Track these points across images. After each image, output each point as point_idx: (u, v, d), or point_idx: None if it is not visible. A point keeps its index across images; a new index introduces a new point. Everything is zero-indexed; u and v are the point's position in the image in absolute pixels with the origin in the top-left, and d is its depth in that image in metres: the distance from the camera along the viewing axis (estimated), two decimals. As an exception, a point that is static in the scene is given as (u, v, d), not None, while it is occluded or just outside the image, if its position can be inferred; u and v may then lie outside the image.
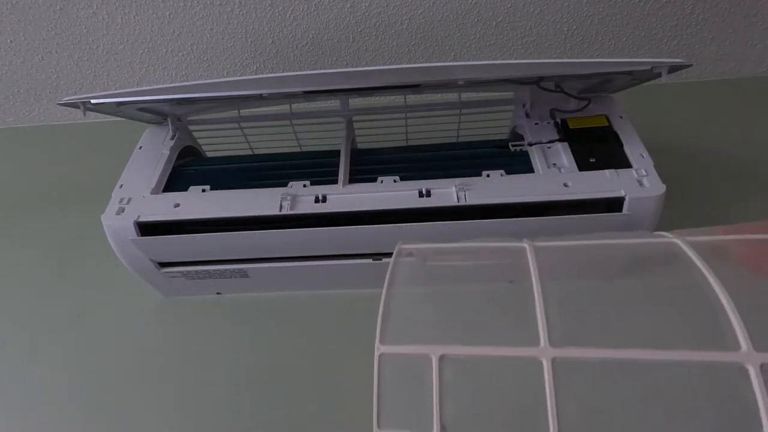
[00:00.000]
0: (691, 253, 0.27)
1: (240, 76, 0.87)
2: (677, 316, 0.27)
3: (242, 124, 0.65)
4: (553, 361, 0.24)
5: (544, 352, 0.24)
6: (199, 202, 0.51)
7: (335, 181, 0.51)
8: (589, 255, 0.33)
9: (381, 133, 0.66)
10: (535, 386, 0.24)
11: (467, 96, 0.64)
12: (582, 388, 0.24)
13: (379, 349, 0.29)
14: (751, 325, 0.23)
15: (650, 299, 0.29)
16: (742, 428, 0.21)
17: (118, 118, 0.60)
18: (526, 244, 0.33)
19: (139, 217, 0.49)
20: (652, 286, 0.30)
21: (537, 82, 0.55)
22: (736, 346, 0.22)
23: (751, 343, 0.22)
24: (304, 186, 0.51)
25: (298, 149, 0.69)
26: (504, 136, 0.65)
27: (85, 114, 0.50)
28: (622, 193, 0.47)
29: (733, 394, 0.22)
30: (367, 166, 0.55)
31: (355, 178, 0.52)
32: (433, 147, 0.60)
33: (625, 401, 0.24)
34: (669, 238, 0.30)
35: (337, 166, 0.53)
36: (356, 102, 0.66)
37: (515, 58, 0.86)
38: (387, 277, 0.33)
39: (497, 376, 0.27)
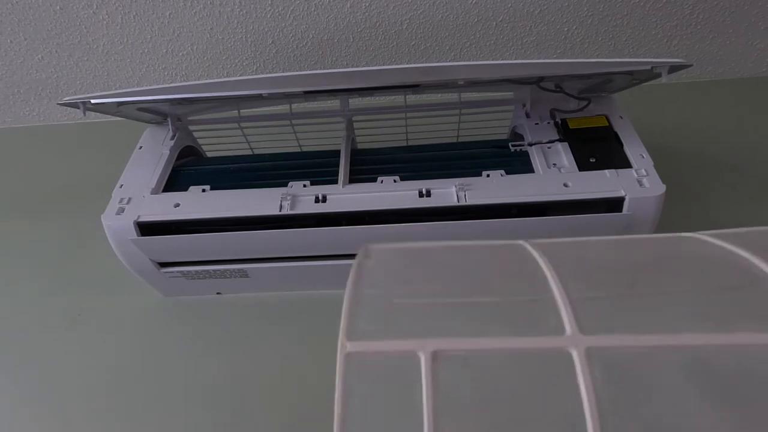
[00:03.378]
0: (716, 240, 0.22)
1: (240, 76, 0.87)
2: (718, 297, 0.21)
3: (242, 124, 0.65)
4: (587, 352, 0.17)
5: (574, 341, 0.18)
6: (199, 202, 0.51)
7: (335, 181, 0.51)
8: (595, 249, 0.27)
9: (381, 133, 0.66)
10: (563, 387, 0.18)
11: (467, 96, 0.64)
12: (622, 385, 0.18)
13: (345, 347, 0.21)
14: None
15: (674, 277, 0.23)
16: None
17: (118, 118, 0.60)
18: (522, 242, 0.26)
19: (139, 217, 0.49)
20: (665, 251, 0.24)
21: (537, 82, 0.55)
22: None
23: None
24: (304, 186, 0.51)
25: (298, 149, 0.69)
26: (504, 136, 0.65)
27: (85, 114, 0.50)
28: (622, 193, 0.47)
29: None
30: (367, 166, 0.55)
31: (355, 178, 0.52)
32: (433, 147, 0.60)
33: (672, 395, 0.18)
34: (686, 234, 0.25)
35: (337, 166, 0.53)
36: (356, 102, 0.66)
37: (515, 58, 0.86)
38: (353, 270, 0.24)
39: (508, 377, 0.20)
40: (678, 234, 0.27)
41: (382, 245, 0.26)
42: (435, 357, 0.19)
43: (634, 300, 0.21)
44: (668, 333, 0.17)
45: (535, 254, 0.23)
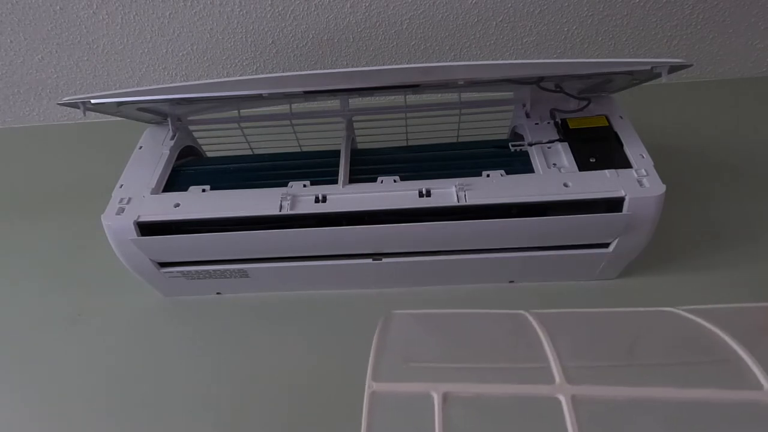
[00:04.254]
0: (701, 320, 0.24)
1: (240, 76, 0.87)
2: (690, 355, 0.25)
3: (242, 124, 0.65)
4: (573, 399, 0.21)
5: (562, 390, 0.22)
6: (199, 202, 0.51)
7: (335, 181, 0.51)
8: (586, 320, 0.30)
9: (381, 133, 0.66)
10: (553, 428, 0.21)
11: (467, 96, 0.64)
12: (602, 428, 0.22)
13: (371, 386, 0.25)
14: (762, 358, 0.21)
15: (652, 339, 0.27)
16: None
17: (118, 118, 0.60)
18: (523, 312, 0.30)
19: (139, 217, 0.49)
20: (649, 326, 0.28)
21: (537, 82, 0.55)
22: (758, 386, 0.21)
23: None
24: (304, 186, 0.51)
25: (298, 149, 0.69)
26: (504, 136, 0.65)
27: (85, 114, 0.50)
28: (622, 193, 0.47)
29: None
30: (367, 166, 0.55)
31: (355, 178, 0.52)
32: (433, 147, 0.60)
33: None
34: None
35: (337, 166, 0.53)
36: (356, 102, 0.66)
37: (515, 58, 0.86)
38: (378, 328, 0.29)
39: (511, 418, 0.23)
40: (659, 309, 0.30)
41: (402, 312, 0.31)
42: (446, 398, 0.23)
43: (615, 366, 0.25)
44: (640, 386, 0.21)
45: (534, 323, 0.26)
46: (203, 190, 0.53)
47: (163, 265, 0.54)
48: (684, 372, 0.21)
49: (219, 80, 0.48)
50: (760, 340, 0.22)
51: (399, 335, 0.29)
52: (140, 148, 0.59)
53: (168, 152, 0.58)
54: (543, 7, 0.79)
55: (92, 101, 0.49)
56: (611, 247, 0.51)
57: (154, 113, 0.61)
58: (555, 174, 0.50)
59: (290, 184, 0.52)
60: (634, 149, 0.51)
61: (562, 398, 0.21)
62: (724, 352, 0.21)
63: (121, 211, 0.50)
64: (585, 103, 0.57)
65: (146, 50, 0.83)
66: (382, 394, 0.25)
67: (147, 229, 0.50)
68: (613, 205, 0.47)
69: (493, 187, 0.49)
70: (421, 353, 0.27)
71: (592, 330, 0.27)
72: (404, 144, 0.67)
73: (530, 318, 0.27)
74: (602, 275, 0.57)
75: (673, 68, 0.45)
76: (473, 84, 0.58)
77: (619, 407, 0.21)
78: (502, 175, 0.50)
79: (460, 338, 0.29)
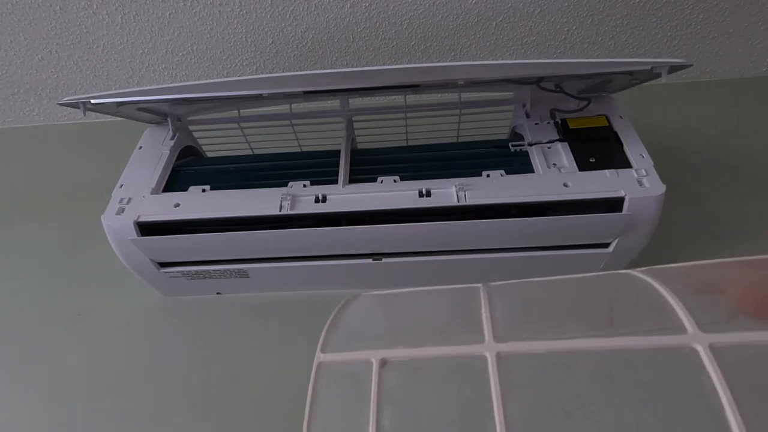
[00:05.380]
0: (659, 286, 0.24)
1: (240, 76, 0.87)
2: (620, 309, 0.27)
3: (242, 124, 0.65)
4: (498, 356, 0.23)
5: (489, 347, 0.24)
6: (199, 202, 0.51)
7: (335, 181, 0.51)
8: (535, 288, 0.31)
9: (381, 133, 0.66)
10: (482, 386, 0.23)
11: (467, 96, 0.64)
12: (529, 383, 0.23)
13: (319, 357, 0.28)
14: (694, 309, 0.22)
15: (591, 297, 0.28)
16: (698, 410, 0.20)
17: (118, 118, 0.60)
18: (480, 285, 0.32)
19: (139, 217, 0.49)
20: (593, 287, 0.29)
21: (537, 82, 0.55)
22: (683, 330, 0.21)
23: (696, 325, 0.21)
24: (304, 186, 0.51)
25: (298, 149, 0.69)
26: (504, 136, 0.65)
27: (85, 114, 0.50)
28: (622, 193, 0.47)
29: (686, 376, 0.20)
30: (367, 166, 0.55)
31: (355, 178, 0.52)
32: (433, 147, 0.60)
33: (574, 393, 0.23)
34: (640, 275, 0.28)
35: (337, 166, 0.53)
36: (356, 102, 0.66)
37: (515, 58, 0.86)
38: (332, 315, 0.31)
39: (442, 378, 0.25)
40: (614, 272, 0.31)
41: (368, 294, 0.33)
42: (383, 363, 0.26)
43: (550, 323, 0.26)
44: (565, 339, 0.22)
45: (482, 293, 0.28)
46: (203, 190, 0.53)
47: (163, 265, 0.54)
48: (613, 324, 0.22)
49: (219, 80, 0.48)
50: (699, 293, 0.22)
51: (354, 313, 0.32)
52: (140, 148, 0.59)
53: (168, 152, 0.58)
54: (543, 7, 0.79)
55: (92, 101, 0.49)
56: (611, 247, 0.51)
57: (154, 113, 0.61)
58: (555, 174, 0.50)
59: (290, 184, 0.52)
60: (634, 149, 0.51)
61: (487, 355, 0.23)
62: (659, 305, 0.22)
63: (121, 211, 0.50)
64: (585, 103, 0.57)
65: (146, 50, 0.83)
66: (327, 364, 0.28)
67: (147, 229, 0.50)
68: (613, 205, 0.47)
69: (493, 187, 0.49)
70: (371, 327, 0.30)
71: (537, 294, 0.28)
72: (404, 144, 0.67)
73: (481, 289, 0.28)
74: (602, 275, 0.57)
75: (673, 68, 0.45)
76: (473, 84, 0.58)
77: (543, 360, 0.23)
78: (502, 175, 0.50)
79: (410, 312, 0.31)
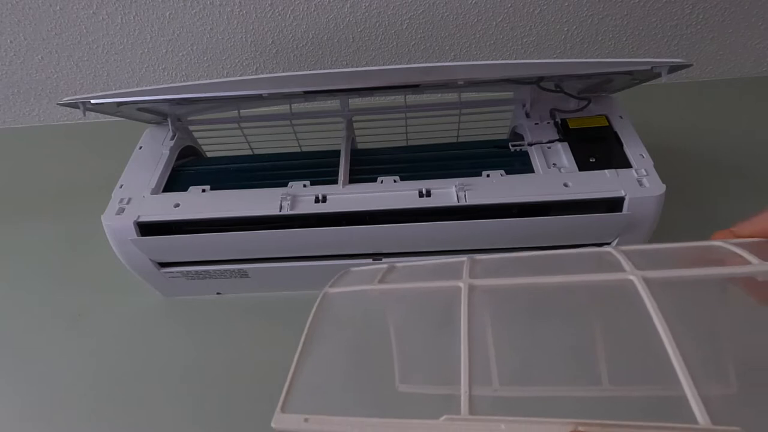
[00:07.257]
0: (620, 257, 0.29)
1: (240, 76, 0.87)
2: (580, 266, 0.32)
3: (242, 124, 0.65)
4: (470, 286, 0.27)
5: (464, 282, 0.28)
6: (199, 202, 0.51)
7: (335, 181, 0.51)
8: (520, 262, 0.35)
9: (381, 133, 0.66)
10: (455, 301, 0.27)
11: (467, 96, 0.64)
12: (493, 302, 0.28)
13: (326, 290, 0.34)
14: (640, 265, 0.26)
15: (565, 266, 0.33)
16: (632, 324, 0.25)
17: (118, 118, 0.60)
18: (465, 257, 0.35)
19: (139, 217, 0.49)
20: (568, 258, 0.33)
21: (537, 82, 0.55)
22: (623, 270, 0.26)
23: (636, 268, 0.25)
24: (304, 186, 0.51)
25: (298, 149, 0.69)
26: (504, 136, 0.65)
27: (85, 114, 0.50)
28: (622, 193, 0.47)
29: (623, 298, 0.25)
30: (367, 166, 0.55)
31: (355, 178, 0.52)
32: (433, 147, 0.60)
33: (530, 311, 0.29)
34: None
35: (337, 166, 0.53)
36: (356, 102, 0.66)
37: (515, 58, 0.86)
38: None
39: (423, 303, 0.31)
40: (596, 249, 0.36)
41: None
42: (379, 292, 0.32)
43: (515, 274, 0.30)
44: (529, 277, 0.27)
45: (464, 261, 0.32)
46: (203, 190, 0.53)
47: (163, 265, 0.54)
48: (571, 272, 0.27)
49: (219, 80, 0.48)
50: (650, 262, 0.26)
51: (350, 277, 0.36)
52: (140, 148, 0.60)
53: (168, 152, 0.58)
54: (543, 7, 0.79)
55: (92, 101, 0.49)
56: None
57: (154, 113, 0.61)
58: (555, 174, 0.50)
59: (290, 184, 0.52)
60: (634, 149, 0.51)
61: (461, 285, 0.27)
62: (612, 264, 0.27)
63: (121, 211, 0.50)
64: (585, 103, 0.57)
65: (146, 50, 0.83)
66: (332, 293, 0.33)
67: (147, 229, 0.50)
68: (613, 204, 0.47)
69: (493, 187, 0.49)
70: (374, 278, 0.34)
71: (514, 261, 0.33)
72: (404, 144, 0.67)
73: (465, 259, 0.32)
74: (602, 275, 0.57)
75: (673, 68, 0.45)
76: (473, 84, 0.58)
77: (508, 290, 0.28)
78: (502, 175, 0.50)
79: (400, 274, 0.35)
